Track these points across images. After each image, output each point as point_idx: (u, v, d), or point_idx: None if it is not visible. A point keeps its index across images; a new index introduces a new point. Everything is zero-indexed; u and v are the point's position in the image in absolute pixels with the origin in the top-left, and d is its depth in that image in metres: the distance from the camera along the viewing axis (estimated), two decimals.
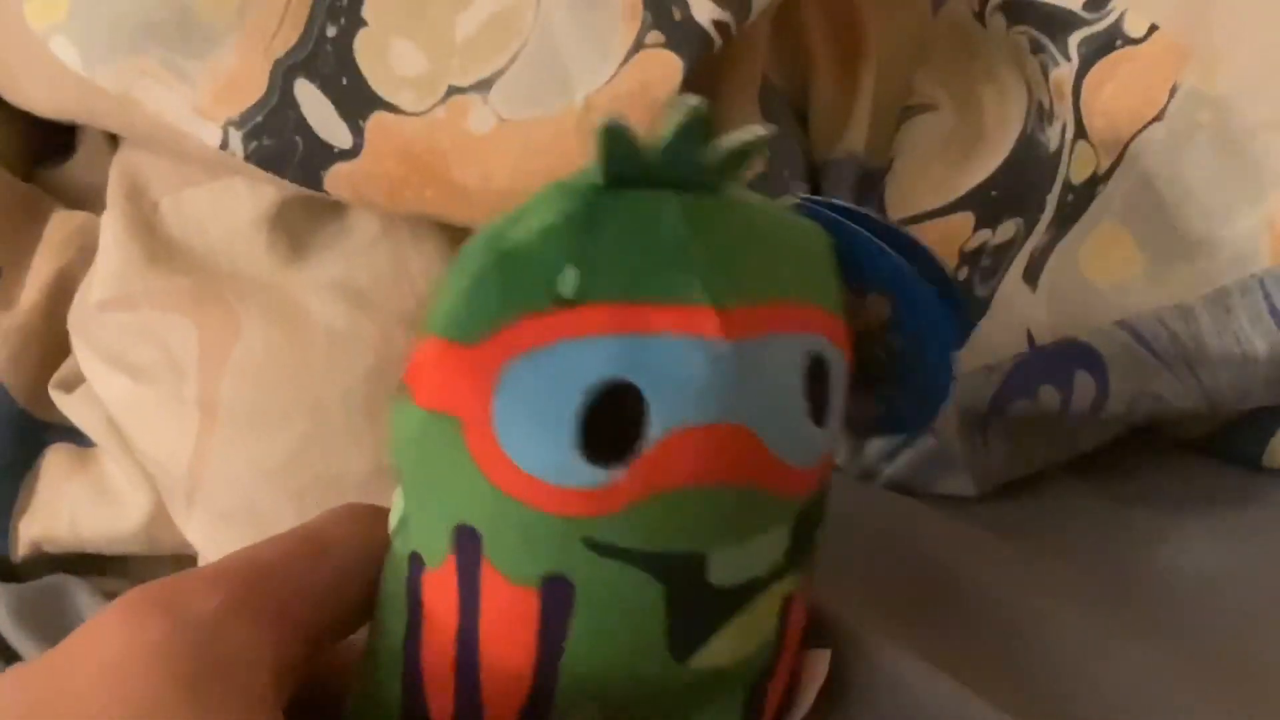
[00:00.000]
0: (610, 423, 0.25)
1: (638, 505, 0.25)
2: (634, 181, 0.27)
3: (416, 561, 0.27)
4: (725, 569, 0.26)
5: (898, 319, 0.31)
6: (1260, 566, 0.41)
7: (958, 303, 0.33)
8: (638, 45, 0.36)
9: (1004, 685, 0.34)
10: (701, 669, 0.27)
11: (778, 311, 0.26)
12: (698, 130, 0.26)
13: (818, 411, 0.27)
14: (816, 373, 0.27)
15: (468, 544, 0.26)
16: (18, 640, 0.39)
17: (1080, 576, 0.41)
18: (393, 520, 0.28)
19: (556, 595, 0.26)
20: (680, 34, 0.36)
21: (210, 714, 0.23)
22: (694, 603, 0.26)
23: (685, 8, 0.37)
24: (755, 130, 0.27)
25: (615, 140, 0.26)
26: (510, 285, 0.26)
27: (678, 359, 0.25)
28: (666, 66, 0.36)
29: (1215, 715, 0.35)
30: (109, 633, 0.23)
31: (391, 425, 0.28)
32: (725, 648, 0.27)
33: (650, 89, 0.36)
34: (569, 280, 0.26)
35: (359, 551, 0.28)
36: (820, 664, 0.32)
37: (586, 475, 0.25)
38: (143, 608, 0.24)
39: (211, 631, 0.24)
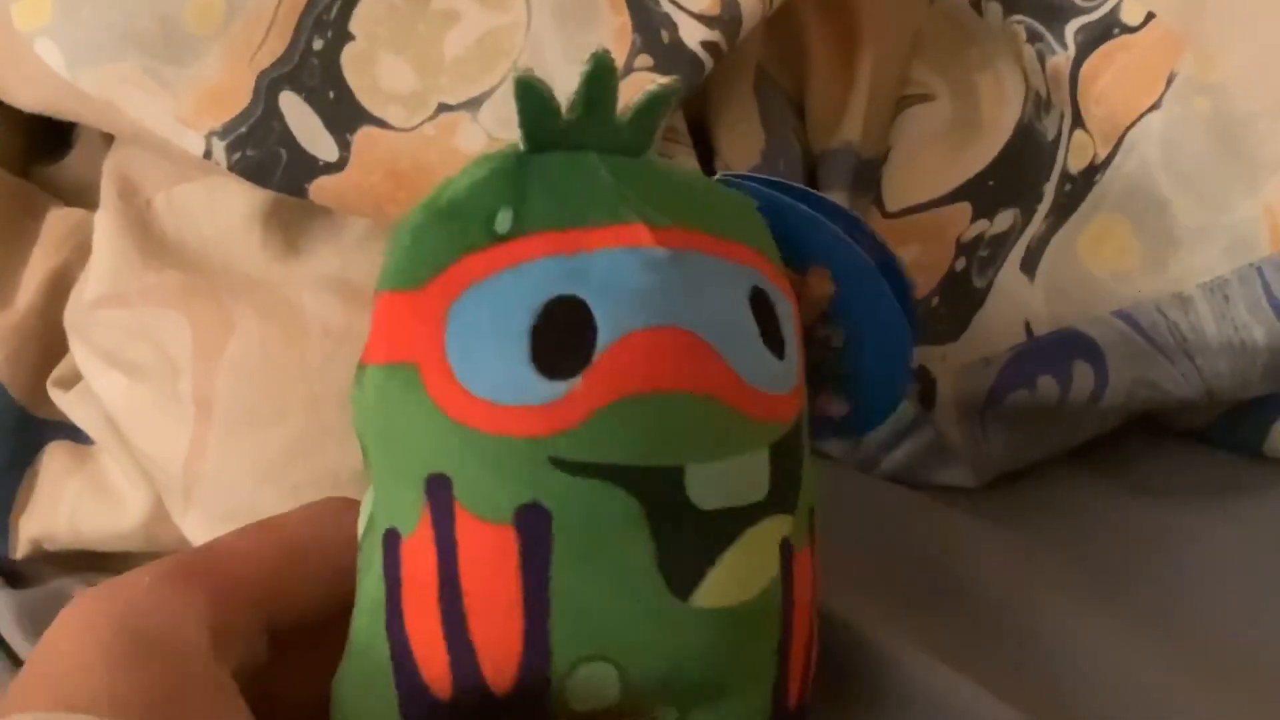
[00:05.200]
0: (561, 348, 0.26)
1: (599, 414, 0.25)
2: (554, 146, 0.28)
3: (391, 540, 0.27)
4: (706, 488, 0.26)
5: (840, 297, 0.32)
6: (1261, 556, 0.41)
7: (903, 286, 0.33)
8: (627, 69, 0.36)
9: (1003, 677, 0.34)
10: (707, 610, 0.26)
11: (710, 240, 0.27)
12: (606, 92, 0.27)
13: (770, 341, 0.27)
14: (760, 304, 0.27)
15: (439, 493, 0.26)
16: (23, 647, 0.40)
17: (1080, 567, 0.41)
18: (361, 524, 0.28)
19: (533, 525, 0.26)
20: (669, 59, 0.36)
21: (133, 671, 0.24)
22: (679, 525, 0.26)
23: (674, 30, 0.37)
24: (660, 83, 0.28)
25: (535, 103, 0.27)
26: (450, 232, 0.27)
27: (619, 268, 0.26)
28: None
29: (1215, 705, 0.35)
30: (61, 619, 0.26)
31: (353, 406, 0.29)
32: (727, 585, 0.26)
33: None
34: (504, 219, 0.27)
35: (317, 527, 0.29)
36: None
37: (545, 390, 0.25)
38: (87, 594, 0.26)
39: (139, 602, 0.26)
